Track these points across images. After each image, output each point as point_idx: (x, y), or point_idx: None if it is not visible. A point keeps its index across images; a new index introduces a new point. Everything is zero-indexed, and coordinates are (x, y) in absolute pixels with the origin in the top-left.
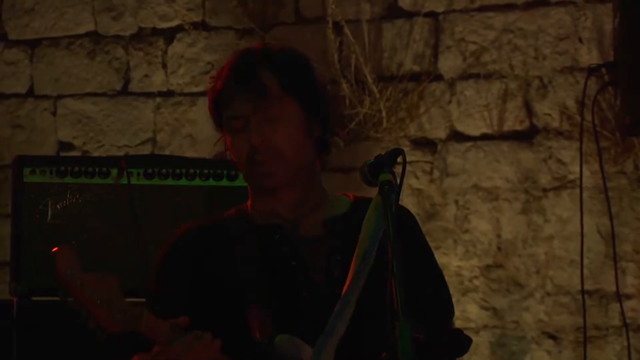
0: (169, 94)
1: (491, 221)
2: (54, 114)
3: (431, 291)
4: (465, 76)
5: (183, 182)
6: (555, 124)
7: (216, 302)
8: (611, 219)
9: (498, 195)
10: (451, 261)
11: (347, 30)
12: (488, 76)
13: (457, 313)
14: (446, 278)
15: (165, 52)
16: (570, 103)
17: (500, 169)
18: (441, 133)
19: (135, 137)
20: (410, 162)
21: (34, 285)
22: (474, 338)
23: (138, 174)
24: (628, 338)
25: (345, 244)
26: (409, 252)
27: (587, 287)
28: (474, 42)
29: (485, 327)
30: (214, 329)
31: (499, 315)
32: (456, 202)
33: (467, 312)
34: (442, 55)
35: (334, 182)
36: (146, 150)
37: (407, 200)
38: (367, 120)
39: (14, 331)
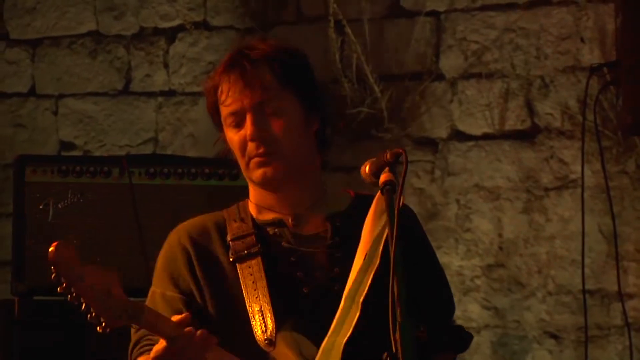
0: (171, 93)
1: (493, 220)
2: (55, 113)
3: (432, 288)
4: (466, 75)
5: (185, 181)
6: (557, 123)
7: (216, 299)
8: (613, 218)
9: (499, 194)
10: (452, 261)
11: (348, 30)
12: (490, 75)
13: (458, 313)
14: (447, 277)
15: (167, 52)
16: (572, 102)
17: (502, 168)
18: (442, 132)
19: (137, 137)
20: (412, 162)
21: (35, 284)
22: (476, 338)
23: (139, 174)
24: (630, 338)
25: (346, 240)
26: (410, 249)
27: (588, 286)
28: (476, 42)
29: (486, 326)
30: (215, 325)
31: (500, 315)
32: (457, 201)
33: (469, 311)
34: (443, 54)
35: (335, 181)
36: (148, 149)
37: (409, 200)
38: (369, 119)
39: (16, 330)
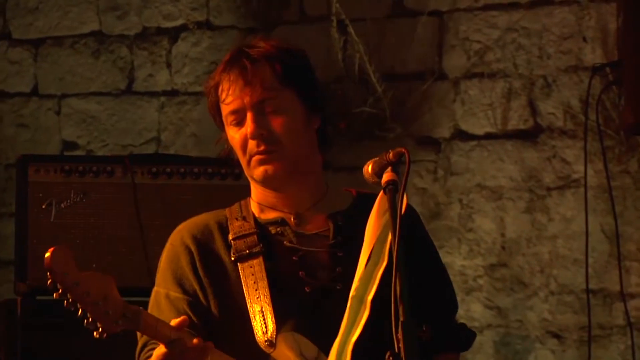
0: (173, 93)
1: (495, 220)
2: (58, 113)
3: (435, 287)
4: (469, 75)
5: (187, 181)
6: (560, 123)
7: (219, 299)
8: (615, 218)
9: (502, 194)
10: (455, 260)
11: (351, 29)
12: (492, 75)
13: (461, 312)
14: (450, 277)
15: (170, 52)
16: (575, 102)
17: (504, 168)
18: (445, 132)
19: (140, 137)
20: (414, 161)
21: (37, 284)
22: (478, 337)
23: (142, 173)
24: (632, 337)
25: (348, 239)
26: (413, 248)
27: (591, 286)
28: (478, 41)
29: (489, 326)
30: (217, 325)
31: (503, 314)
32: (460, 201)
33: (471, 311)
34: (446, 54)
35: (338, 181)
36: (150, 149)
37: (411, 200)
38: (371, 119)
39: (19, 330)
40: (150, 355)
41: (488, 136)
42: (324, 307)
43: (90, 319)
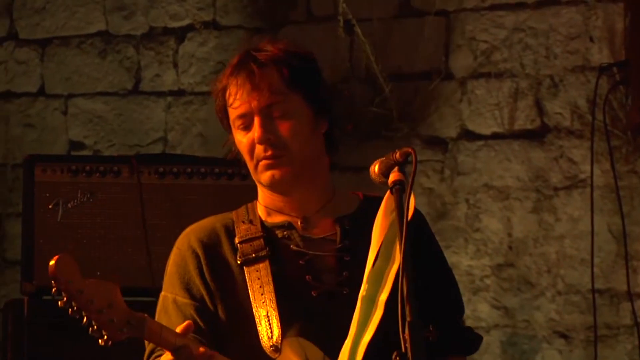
0: (180, 93)
1: (502, 220)
2: (64, 113)
3: (441, 289)
4: (476, 75)
5: (194, 181)
6: (566, 123)
7: (225, 303)
8: (622, 218)
9: (509, 194)
10: (462, 260)
11: (358, 29)
12: (499, 75)
13: (468, 312)
14: (457, 277)
15: (176, 52)
16: (582, 102)
17: (511, 168)
18: (452, 132)
19: (146, 137)
20: (421, 161)
21: (44, 284)
22: (485, 337)
23: (149, 173)
24: (639, 337)
25: (355, 243)
26: (418, 250)
27: (598, 286)
28: (485, 41)
29: (496, 326)
30: (224, 330)
31: (510, 314)
32: (467, 201)
33: (478, 311)
34: (453, 54)
35: (344, 181)
36: (157, 149)
37: (418, 200)
38: (378, 119)
39: (25, 329)
40: None
41: (495, 136)
42: (331, 312)
43: (95, 327)
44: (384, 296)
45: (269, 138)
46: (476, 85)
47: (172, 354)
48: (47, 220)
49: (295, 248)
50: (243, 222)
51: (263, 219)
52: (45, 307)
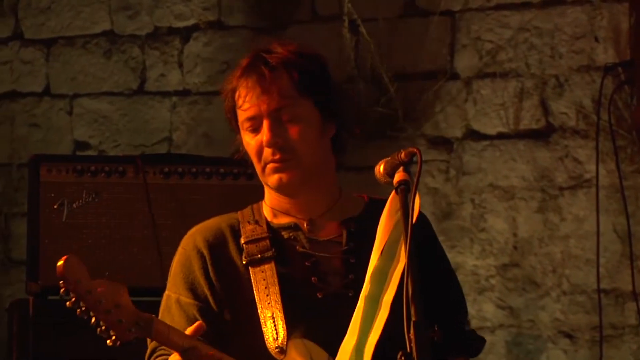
0: (185, 93)
1: (507, 220)
2: (70, 113)
3: (445, 292)
4: (481, 75)
5: (199, 180)
6: (572, 122)
7: (229, 302)
8: (627, 218)
9: (514, 194)
10: (467, 260)
11: (363, 29)
12: (504, 75)
13: (473, 312)
14: (462, 277)
15: (181, 51)
16: (587, 102)
17: (517, 167)
18: (457, 132)
19: (152, 136)
20: (427, 161)
21: (49, 284)
22: (490, 337)
23: (154, 173)
24: None
25: (360, 246)
26: (423, 253)
27: (603, 286)
28: (490, 41)
29: (501, 326)
30: (229, 330)
31: (515, 314)
32: (472, 200)
33: (483, 311)
34: (458, 54)
35: (349, 181)
36: (162, 149)
37: (423, 200)
38: (383, 119)
39: (30, 329)
40: None
41: (500, 136)
42: (336, 314)
43: (103, 327)
44: (389, 296)
45: (278, 142)
46: (481, 85)
47: (180, 355)
48: (52, 220)
49: (301, 249)
50: (249, 222)
51: (269, 219)
52: (50, 307)
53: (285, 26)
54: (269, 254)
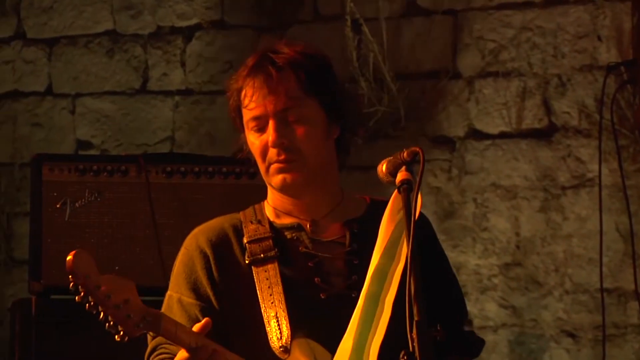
0: (188, 92)
1: (510, 219)
2: (72, 112)
3: (445, 293)
4: (483, 74)
5: (202, 180)
6: (574, 122)
7: (232, 302)
8: (630, 217)
9: (517, 193)
10: (470, 259)
11: (365, 29)
12: (507, 74)
13: (475, 311)
14: (464, 276)
15: (184, 51)
16: (589, 101)
17: (519, 167)
18: (460, 131)
19: (154, 136)
20: (429, 161)
21: (52, 283)
22: (493, 336)
23: (156, 172)
24: None
25: (363, 247)
26: (423, 254)
27: (606, 285)
28: (493, 40)
29: (504, 325)
30: (231, 329)
31: (517, 314)
32: (475, 200)
33: (486, 310)
34: (460, 53)
35: (352, 181)
36: (165, 148)
37: (426, 199)
38: (386, 118)
39: (33, 329)
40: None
41: (502, 135)
42: (339, 315)
43: (111, 323)
44: (390, 296)
45: (283, 142)
46: (484, 85)
47: (188, 352)
48: (54, 219)
49: (304, 250)
50: (251, 222)
51: (271, 219)
52: (52, 307)
53: (287, 26)
54: (272, 253)
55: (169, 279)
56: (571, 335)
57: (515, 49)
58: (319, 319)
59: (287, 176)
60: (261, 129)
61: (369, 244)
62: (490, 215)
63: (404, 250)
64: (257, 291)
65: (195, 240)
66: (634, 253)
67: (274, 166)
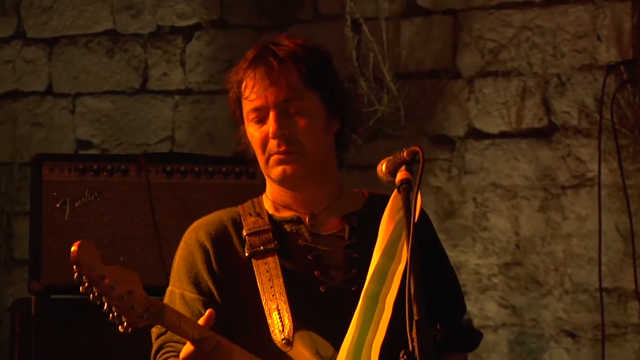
0: (188, 92)
1: (510, 219)
2: (72, 112)
3: (443, 288)
4: (483, 74)
5: (202, 179)
6: (574, 121)
7: (233, 295)
8: (630, 216)
9: (516, 193)
10: (470, 259)
11: (365, 28)
12: (506, 74)
13: (475, 311)
14: (464, 276)
15: (184, 50)
16: (589, 101)
17: (519, 166)
18: (459, 131)
19: (154, 135)
20: (429, 160)
21: (52, 283)
22: (493, 336)
23: (156, 172)
24: None
25: (363, 241)
26: (422, 250)
27: (605, 285)
28: (493, 40)
29: (503, 325)
30: (233, 322)
31: (517, 313)
32: (475, 199)
33: (486, 310)
34: (460, 52)
35: (351, 180)
36: (165, 148)
37: (426, 199)
38: (386, 118)
39: (33, 328)
40: (169, 357)
41: (502, 135)
42: (339, 308)
43: (115, 313)
44: (391, 296)
45: (284, 133)
46: (484, 84)
47: (193, 345)
48: (54, 219)
49: (303, 243)
50: (250, 214)
51: (270, 213)
52: (52, 306)
53: (287, 25)
54: (272, 246)
55: (169, 278)
56: (571, 334)
57: (515, 48)
58: (320, 311)
59: (287, 168)
60: (261, 120)
61: (368, 237)
62: (490, 214)
63: (404, 250)
64: (258, 284)
65: (195, 235)
66: (634, 253)
67: (274, 157)
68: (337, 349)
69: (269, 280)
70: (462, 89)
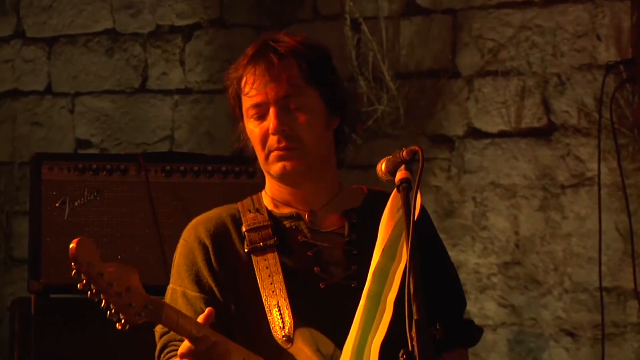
0: (187, 91)
1: (509, 218)
2: (71, 111)
3: (444, 284)
4: (483, 73)
5: (201, 179)
6: (573, 121)
7: (234, 292)
8: (629, 216)
9: (516, 192)
10: (469, 258)
11: (364, 28)
12: (506, 73)
13: (475, 310)
14: (464, 275)
15: (183, 50)
16: (588, 100)
17: (518, 166)
18: (459, 130)
19: (153, 135)
20: (428, 159)
21: (51, 282)
22: (492, 335)
23: (156, 171)
24: None
25: (362, 238)
26: (422, 247)
27: (605, 284)
28: (492, 39)
29: (503, 324)
30: (234, 319)
31: (517, 313)
32: (474, 199)
33: (485, 309)
34: (460, 52)
35: (351, 179)
36: (164, 147)
37: (425, 198)
38: (385, 117)
39: (32, 328)
40: (173, 357)
41: (502, 134)
42: (339, 304)
43: (113, 310)
44: (392, 296)
45: (284, 129)
46: (483, 84)
47: (191, 343)
48: (54, 218)
49: (303, 239)
50: (250, 211)
51: (270, 209)
52: (52, 306)
53: (287, 24)
54: (271, 242)
55: (169, 277)
56: (570, 334)
57: (514, 47)
58: (320, 308)
59: (287, 164)
60: (261, 116)
61: (367, 234)
62: (490, 214)
63: (404, 249)
64: (258, 280)
65: (194, 232)
66: (634, 252)
67: (274, 154)
68: (337, 345)
69: (269, 276)
70: (462, 88)
